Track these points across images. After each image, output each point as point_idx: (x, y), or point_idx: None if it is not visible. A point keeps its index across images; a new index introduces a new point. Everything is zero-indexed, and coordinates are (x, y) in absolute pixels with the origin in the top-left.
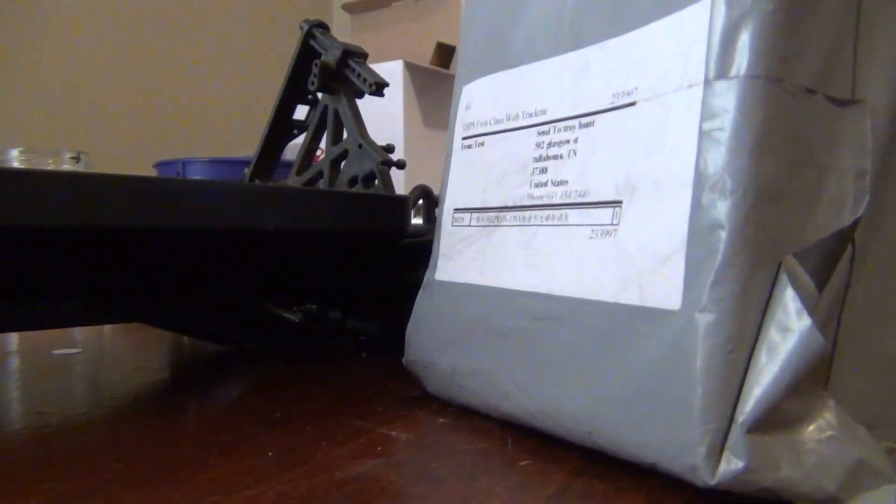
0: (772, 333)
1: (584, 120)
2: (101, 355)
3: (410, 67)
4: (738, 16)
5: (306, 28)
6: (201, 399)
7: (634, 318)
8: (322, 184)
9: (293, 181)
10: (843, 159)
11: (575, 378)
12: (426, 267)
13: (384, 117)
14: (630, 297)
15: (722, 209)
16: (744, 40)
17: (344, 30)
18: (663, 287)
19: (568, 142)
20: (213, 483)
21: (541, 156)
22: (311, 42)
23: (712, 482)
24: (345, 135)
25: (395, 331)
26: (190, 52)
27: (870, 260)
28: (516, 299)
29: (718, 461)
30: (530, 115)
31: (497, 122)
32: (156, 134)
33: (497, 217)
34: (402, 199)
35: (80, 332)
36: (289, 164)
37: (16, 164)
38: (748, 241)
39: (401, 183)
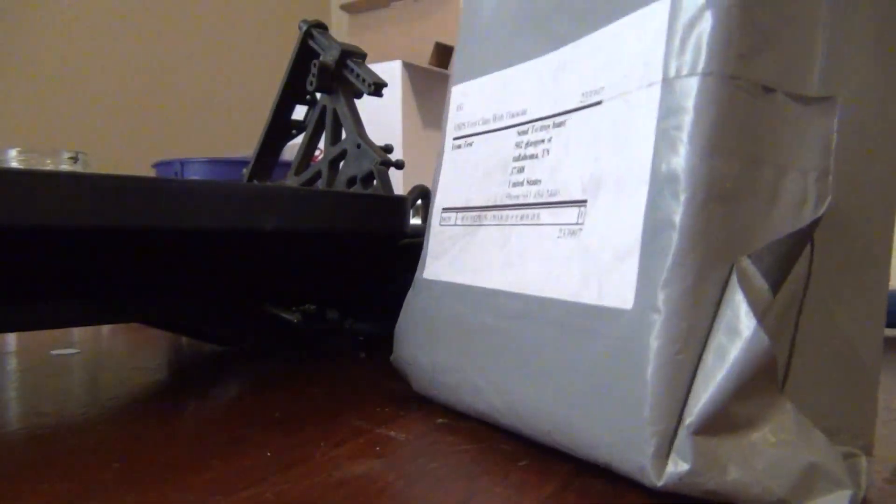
0: (720, 335)
1: (558, 119)
2: (99, 356)
3: (409, 68)
4: (695, 12)
5: (305, 28)
6: (200, 399)
7: (591, 317)
8: (320, 184)
9: (291, 181)
10: (804, 159)
11: (537, 376)
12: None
13: (383, 117)
14: (589, 296)
15: (673, 208)
16: (700, 37)
17: (342, 30)
18: (618, 286)
19: (543, 141)
20: (212, 483)
21: (519, 155)
22: (310, 42)
23: (659, 483)
24: (343, 135)
25: (393, 331)
26: (189, 52)
27: (835, 263)
28: (491, 298)
29: (665, 463)
30: (513, 116)
31: (485, 122)
32: (154, 134)
33: (479, 216)
34: (401, 199)
35: (78, 333)
36: (287, 165)
37: (14, 164)
38: (698, 240)
39: (399, 183)
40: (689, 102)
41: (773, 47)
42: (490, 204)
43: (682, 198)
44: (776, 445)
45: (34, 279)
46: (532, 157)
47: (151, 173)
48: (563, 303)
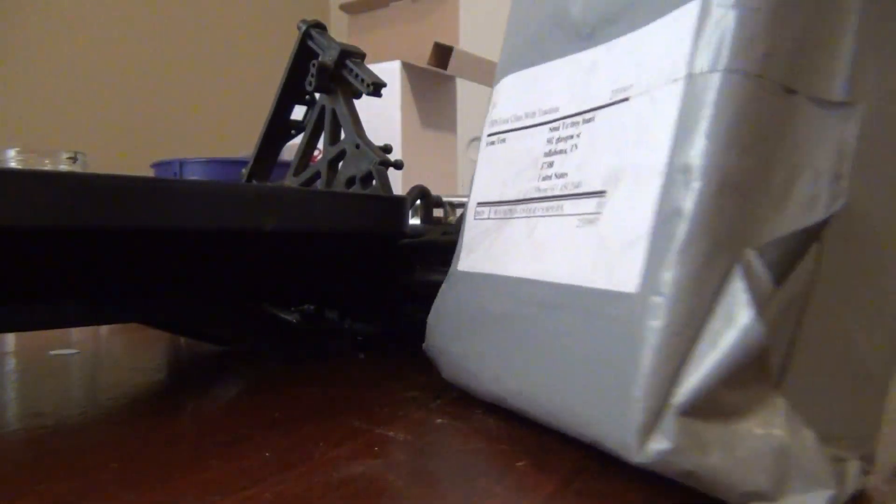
0: (716, 322)
1: (587, 116)
2: (97, 356)
3: (408, 68)
4: (723, 12)
5: (304, 28)
6: (198, 399)
7: (600, 300)
8: (319, 184)
9: (291, 181)
10: (820, 160)
11: (547, 359)
12: (424, 267)
13: (382, 118)
14: (600, 281)
15: (684, 197)
16: (725, 35)
17: (341, 30)
18: (626, 270)
19: (572, 137)
20: (211, 483)
21: (550, 150)
22: (309, 42)
23: (637, 459)
24: (342, 135)
25: (392, 331)
26: (187, 52)
27: (846, 267)
28: (513, 286)
29: (648, 439)
30: (545, 113)
31: (517, 119)
32: (153, 134)
33: (510, 210)
34: (400, 199)
35: (76, 333)
36: (286, 165)
37: (12, 164)
38: (705, 229)
39: (398, 183)
40: (710, 97)
41: (799, 50)
42: (521, 198)
43: (694, 187)
44: (761, 437)
45: (33, 279)
46: (561, 152)
47: (150, 173)
48: (576, 288)
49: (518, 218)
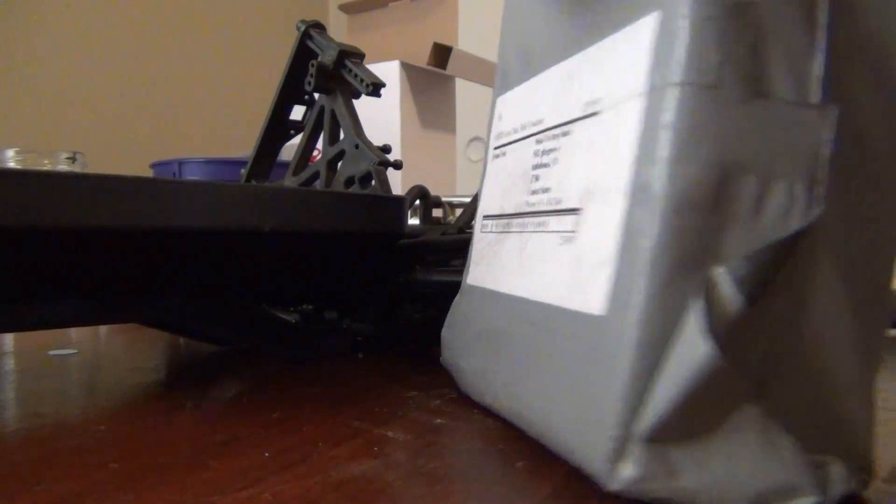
0: (680, 345)
1: (565, 129)
2: (96, 356)
3: (407, 68)
4: (677, 23)
5: (303, 28)
6: (197, 399)
7: (574, 322)
8: (319, 184)
9: (290, 181)
10: (793, 167)
11: (536, 381)
12: (423, 267)
13: (381, 118)
14: (575, 302)
15: (645, 217)
16: (679, 47)
17: (340, 30)
18: (596, 293)
19: (554, 150)
20: (210, 483)
21: (537, 164)
22: (308, 42)
23: (611, 487)
24: (341, 135)
25: (391, 331)
26: (186, 53)
27: (827, 277)
28: (507, 303)
29: (618, 467)
30: (533, 125)
31: (515, 131)
32: (152, 134)
33: (508, 223)
34: (399, 199)
35: (75, 333)
36: (285, 165)
37: (11, 165)
38: (668, 249)
39: (397, 183)
40: (667, 112)
41: (761, 55)
42: (515, 212)
43: (654, 207)
44: (733, 454)
45: (32, 279)
46: (545, 165)
47: (149, 173)
48: (557, 308)
49: (513, 232)
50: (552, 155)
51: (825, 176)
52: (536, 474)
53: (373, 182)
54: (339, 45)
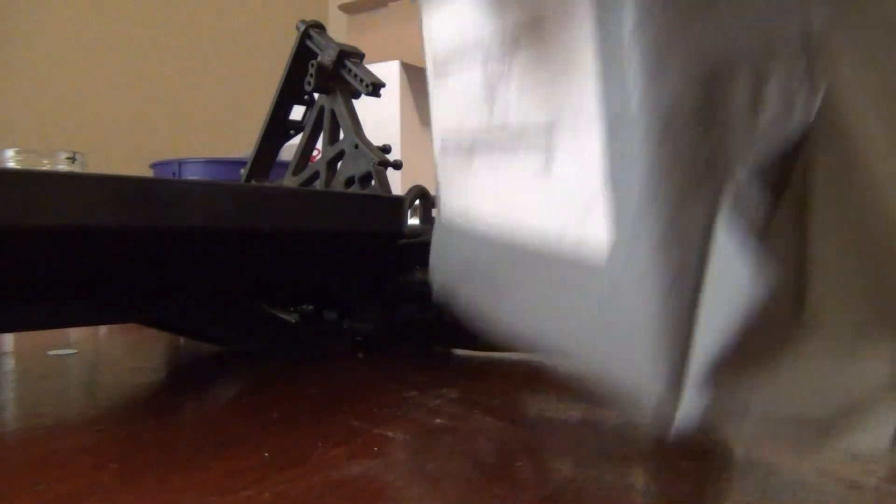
0: (716, 265)
1: (512, 46)
2: (96, 356)
3: (407, 68)
4: None
5: (303, 28)
6: (197, 400)
7: (572, 266)
8: (318, 184)
9: (289, 182)
10: (786, 54)
11: (544, 317)
12: (422, 268)
13: (380, 118)
14: (569, 240)
15: (633, 143)
16: None
17: (340, 30)
18: (594, 229)
19: (504, 72)
20: (209, 483)
21: (489, 85)
22: (308, 42)
23: (676, 423)
24: (341, 135)
25: (391, 331)
26: (186, 53)
27: (850, 174)
28: (492, 239)
29: (678, 403)
30: (475, 43)
31: (456, 53)
32: (152, 134)
33: (470, 150)
34: (399, 199)
35: (75, 333)
36: (285, 165)
37: (11, 165)
38: (669, 171)
39: (397, 183)
40: (626, 14)
41: None
42: (476, 140)
43: (637, 134)
44: (801, 371)
45: (32, 279)
46: (497, 87)
47: (149, 173)
48: (546, 247)
49: (479, 163)
50: (503, 78)
51: (825, 57)
52: (536, 473)
53: (373, 182)
54: (339, 45)
